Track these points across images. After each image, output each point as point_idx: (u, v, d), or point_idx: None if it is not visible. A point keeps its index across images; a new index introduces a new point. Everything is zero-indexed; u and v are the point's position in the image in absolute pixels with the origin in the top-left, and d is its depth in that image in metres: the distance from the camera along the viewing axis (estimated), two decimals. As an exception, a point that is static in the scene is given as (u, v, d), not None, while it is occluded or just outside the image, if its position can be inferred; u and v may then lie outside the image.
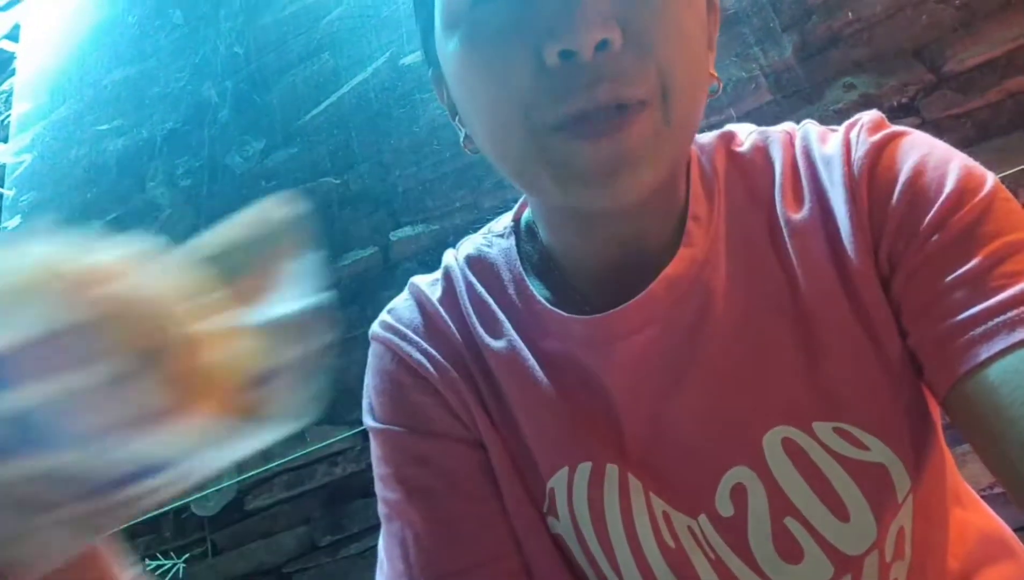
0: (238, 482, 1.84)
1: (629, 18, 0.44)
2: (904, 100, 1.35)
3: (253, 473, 1.83)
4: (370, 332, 0.65)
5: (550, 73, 0.45)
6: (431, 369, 0.60)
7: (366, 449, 1.75)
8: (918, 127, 1.33)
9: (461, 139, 0.60)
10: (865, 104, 1.38)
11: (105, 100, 2.47)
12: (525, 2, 0.45)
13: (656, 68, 0.45)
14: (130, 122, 2.39)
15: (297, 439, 1.82)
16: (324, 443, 1.78)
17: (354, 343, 1.90)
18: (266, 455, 1.83)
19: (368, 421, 0.63)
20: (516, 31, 0.46)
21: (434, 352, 0.61)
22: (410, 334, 0.62)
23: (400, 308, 0.65)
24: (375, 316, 0.67)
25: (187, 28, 2.39)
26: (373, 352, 0.65)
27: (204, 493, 1.85)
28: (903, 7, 1.38)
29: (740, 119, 1.44)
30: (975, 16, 1.32)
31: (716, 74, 0.56)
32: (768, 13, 1.49)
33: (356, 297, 1.87)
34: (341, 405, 1.81)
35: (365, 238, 1.92)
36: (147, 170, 2.29)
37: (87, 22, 2.62)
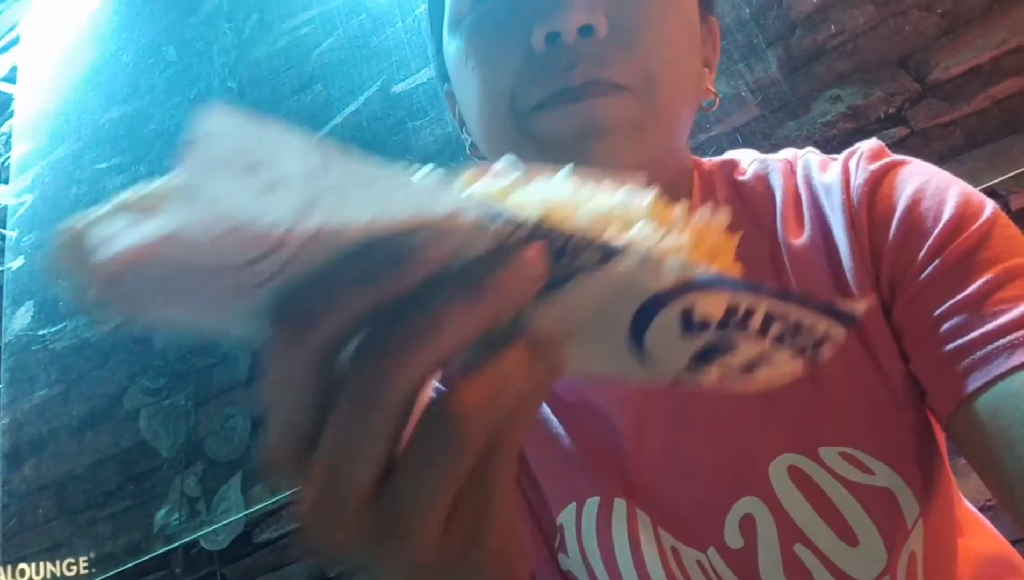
0: (246, 515, 1.84)
1: (616, 12, 0.47)
2: (891, 110, 1.36)
3: (261, 506, 1.83)
4: None
5: (536, 58, 0.48)
6: None
7: (372, 478, 1.75)
8: (906, 137, 1.34)
9: (467, 147, 0.62)
10: (852, 116, 1.38)
11: (103, 139, 2.50)
12: None
13: (640, 62, 0.48)
14: (128, 159, 2.41)
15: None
16: (330, 473, 1.77)
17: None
18: (273, 487, 1.83)
19: None
20: (509, 20, 0.49)
21: None
22: None
23: None
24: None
25: (181, 65, 2.41)
26: None
27: (213, 528, 1.85)
28: (885, 18, 1.38)
29: (728, 135, 1.44)
30: (958, 24, 1.32)
31: (714, 90, 0.58)
32: (751, 29, 1.49)
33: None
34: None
35: (363, 266, 1.93)
36: (146, 206, 2.30)
37: (82, 62, 2.65)
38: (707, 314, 0.27)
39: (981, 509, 0.69)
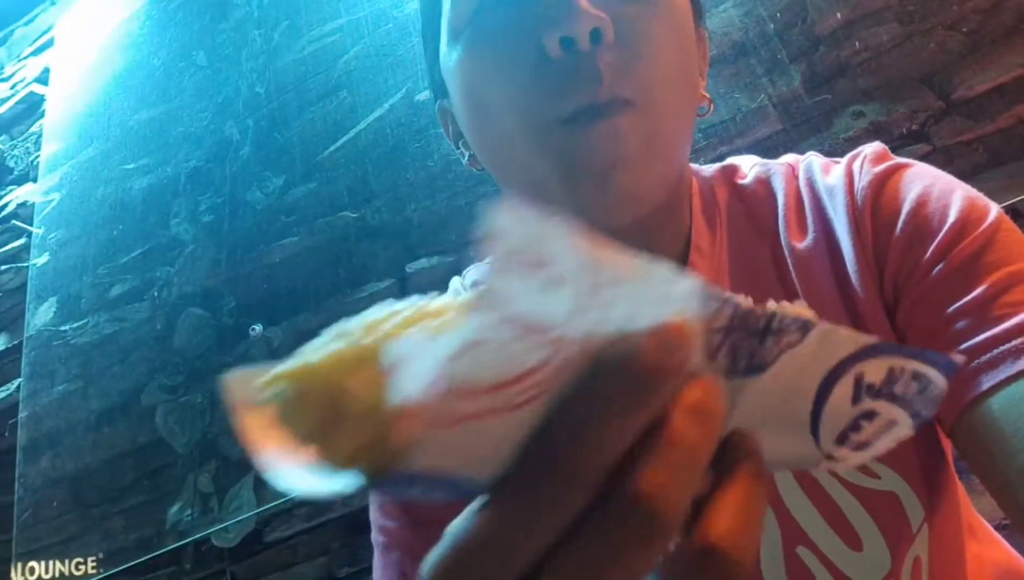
0: (257, 514, 1.85)
1: (617, 16, 0.47)
2: (914, 127, 1.35)
3: (272, 505, 1.83)
4: None
5: (552, 65, 0.47)
6: None
7: (384, 480, 1.75)
8: (929, 154, 1.33)
9: (465, 161, 0.61)
10: (875, 132, 1.38)
11: (131, 140, 2.53)
12: (524, 1, 0.48)
13: (646, 70, 0.47)
14: (155, 161, 2.45)
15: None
16: (342, 475, 1.77)
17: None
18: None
19: None
20: (517, 27, 0.48)
21: None
22: None
23: None
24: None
25: (210, 69, 2.45)
26: None
27: (224, 525, 1.86)
28: (910, 35, 1.39)
29: (750, 148, 1.45)
30: (983, 42, 1.32)
31: (708, 95, 0.58)
32: (775, 44, 1.50)
33: (374, 329, 1.89)
34: (359, 437, 1.81)
35: (382, 270, 1.94)
36: (171, 207, 2.34)
37: (114, 66, 2.70)
38: (873, 380, 0.26)
39: (996, 528, 0.68)
